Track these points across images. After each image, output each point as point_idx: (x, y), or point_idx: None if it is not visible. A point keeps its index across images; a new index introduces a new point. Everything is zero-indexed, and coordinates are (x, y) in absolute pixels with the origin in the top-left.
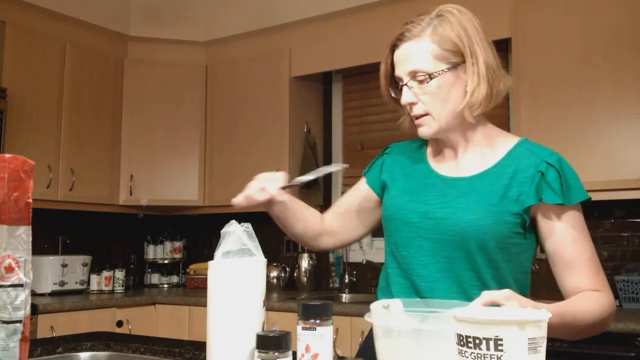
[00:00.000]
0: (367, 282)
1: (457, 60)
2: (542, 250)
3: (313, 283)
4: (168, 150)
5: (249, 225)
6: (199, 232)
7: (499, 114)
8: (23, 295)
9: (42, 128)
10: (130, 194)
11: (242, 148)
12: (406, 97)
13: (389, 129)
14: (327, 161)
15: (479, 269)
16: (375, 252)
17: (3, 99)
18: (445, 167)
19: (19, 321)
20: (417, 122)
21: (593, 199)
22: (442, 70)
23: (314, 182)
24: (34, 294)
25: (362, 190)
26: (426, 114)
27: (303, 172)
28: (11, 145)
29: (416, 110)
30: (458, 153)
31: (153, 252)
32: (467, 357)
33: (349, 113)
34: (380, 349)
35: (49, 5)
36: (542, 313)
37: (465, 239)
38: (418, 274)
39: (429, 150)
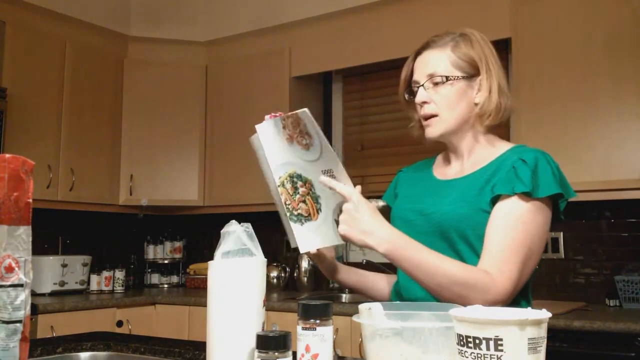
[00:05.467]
0: None
1: (472, 72)
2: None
3: (313, 283)
4: (168, 150)
5: (249, 225)
6: (199, 232)
7: None
8: (23, 295)
9: (42, 128)
10: (130, 194)
11: (242, 148)
12: (421, 96)
13: (389, 129)
14: None
15: (463, 258)
16: (375, 252)
17: (3, 99)
18: (447, 172)
19: (19, 321)
20: (425, 122)
21: (593, 199)
22: (457, 77)
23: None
24: (34, 294)
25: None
26: (435, 115)
27: None
28: (11, 145)
29: (427, 109)
30: (464, 158)
31: (153, 252)
32: (467, 357)
33: (349, 113)
34: (367, 348)
35: (49, 5)
36: (542, 313)
37: (447, 229)
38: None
39: (436, 161)
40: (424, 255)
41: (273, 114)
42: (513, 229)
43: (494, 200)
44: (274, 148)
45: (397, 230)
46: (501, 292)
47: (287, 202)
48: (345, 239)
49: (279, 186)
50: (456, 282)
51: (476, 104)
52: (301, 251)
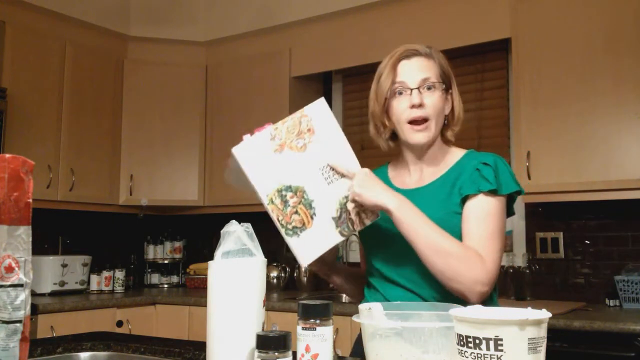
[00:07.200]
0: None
1: (449, 85)
2: (542, 251)
3: (313, 283)
4: (168, 150)
5: (249, 225)
6: (199, 232)
7: (498, 114)
8: (23, 295)
9: (42, 128)
10: (130, 194)
11: None
12: (416, 98)
13: None
14: None
15: None
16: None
17: (3, 99)
18: (406, 181)
19: (19, 321)
20: (417, 127)
21: (593, 199)
22: (444, 86)
23: None
24: (34, 294)
25: None
26: (427, 120)
27: None
28: (11, 145)
29: (420, 113)
30: (423, 167)
31: (153, 252)
32: (467, 357)
33: (349, 113)
34: (367, 348)
35: (49, 5)
36: (542, 313)
37: None
38: (391, 272)
39: (390, 171)
40: (428, 223)
41: (258, 128)
42: (487, 222)
43: (463, 200)
44: (258, 169)
45: (407, 198)
46: (487, 275)
47: (280, 218)
48: (357, 199)
49: (268, 204)
50: (452, 253)
51: (446, 115)
52: (304, 264)
